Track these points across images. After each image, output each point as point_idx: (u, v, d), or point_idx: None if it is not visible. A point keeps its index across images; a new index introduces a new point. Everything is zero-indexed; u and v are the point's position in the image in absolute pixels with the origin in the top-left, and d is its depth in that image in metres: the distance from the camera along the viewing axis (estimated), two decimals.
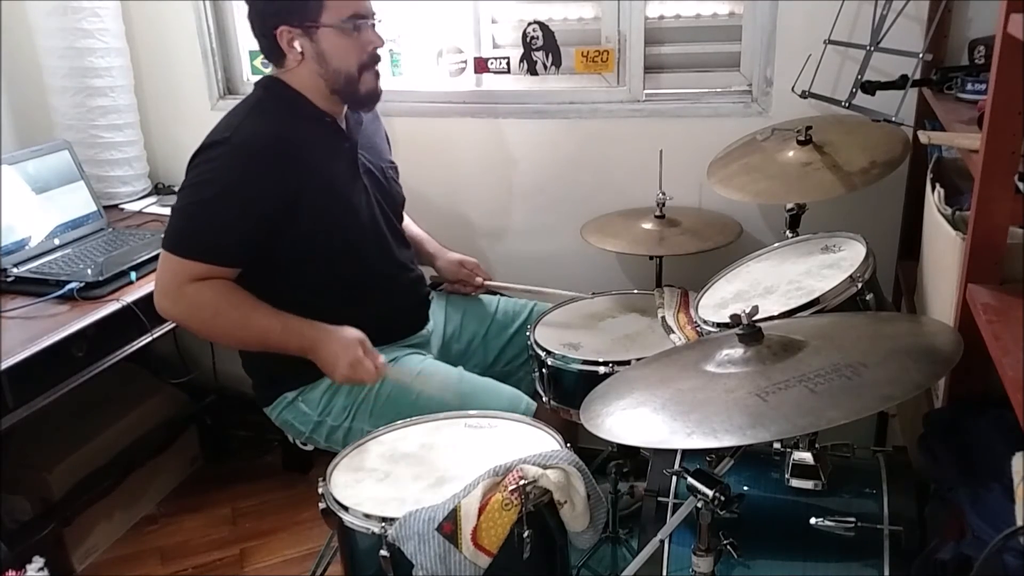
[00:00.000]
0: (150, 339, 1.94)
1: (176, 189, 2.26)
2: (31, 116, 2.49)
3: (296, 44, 1.62)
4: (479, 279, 1.96)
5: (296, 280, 1.68)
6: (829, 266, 1.52)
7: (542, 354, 1.69)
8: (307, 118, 1.68)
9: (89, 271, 1.92)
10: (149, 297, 1.87)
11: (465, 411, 1.51)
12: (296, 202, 1.61)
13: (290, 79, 1.67)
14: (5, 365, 1.59)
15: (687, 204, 2.09)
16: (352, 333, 1.59)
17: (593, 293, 1.98)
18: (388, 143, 1.94)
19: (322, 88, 1.66)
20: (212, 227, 1.58)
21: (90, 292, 1.86)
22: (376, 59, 1.68)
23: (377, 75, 1.69)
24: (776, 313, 1.38)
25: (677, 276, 1.98)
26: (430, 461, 1.38)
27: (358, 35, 1.63)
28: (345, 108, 1.74)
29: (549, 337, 1.75)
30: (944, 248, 1.29)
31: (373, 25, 1.66)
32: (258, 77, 2.43)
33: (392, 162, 1.89)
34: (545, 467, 1.24)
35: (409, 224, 1.98)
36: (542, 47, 2.20)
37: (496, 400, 1.62)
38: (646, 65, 2.14)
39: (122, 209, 2.43)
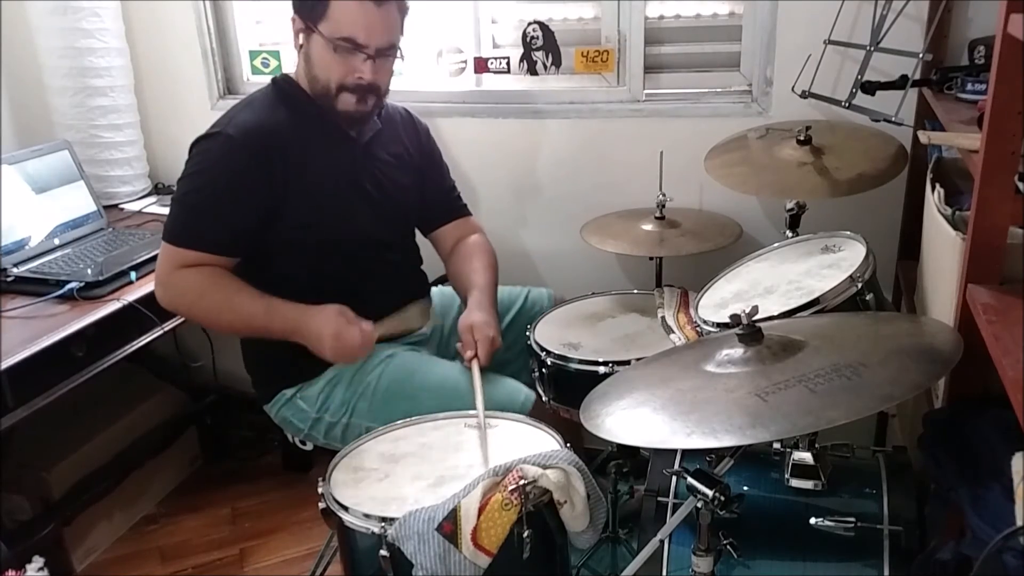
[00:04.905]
0: (150, 338, 1.94)
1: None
2: (31, 116, 2.49)
3: (300, 35, 1.66)
4: (469, 353, 1.65)
5: (290, 275, 1.69)
6: (829, 266, 1.52)
7: (542, 354, 1.69)
8: (307, 114, 1.69)
9: (89, 271, 1.92)
10: (149, 297, 1.88)
11: (465, 411, 1.51)
12: (283, 196, 1.63)
13: (296, 74, 1.71)
14: (5, 365, 1.58)
15: (687, 205, 2.09)
16: (332, 307, 1.60)
17: (593, 293, 1.98)
18: (426, 154, 1.90)
19: (308, 87, 1.68)
20: (203, 217, 1.62)
21: (90, 292, 1.86)
22: (361, 88, 1.63)
23: (361, 101, 1.64)
24: (776, 313, 1.38)
25: (677, 276, 1.98)
26: (430, 461, 1.38)
27: (347, 57, 1.61)
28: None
29: (549, 337, 1.75)
30: (944, 248, 1.29)
31: (369, 58, 1.61)
32: (258, 77, 2.46)
33: (417, 167, 1.86)
34: (545, 467, 1.24)
35: (473, 270, 1.83)
36: (542, 47, 2.20)
37: (494, 391, 1.62)
38: (646, 65, 2.14)
39: (122, 209, 2.43)
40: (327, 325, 1.58)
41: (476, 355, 1.64)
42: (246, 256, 1.67)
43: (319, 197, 1.67)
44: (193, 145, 1.64)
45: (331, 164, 1.69)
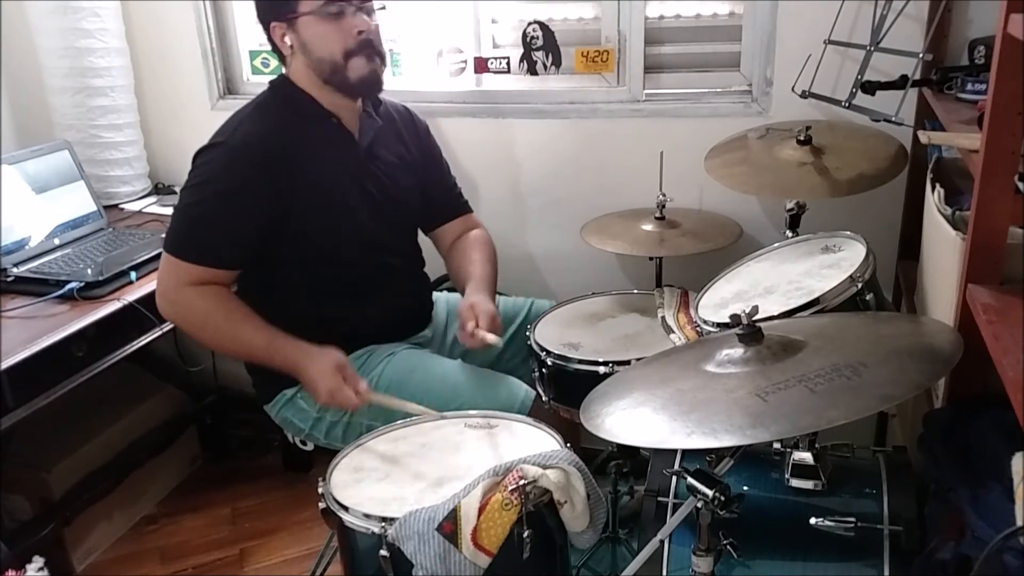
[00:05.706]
0: (150, 339, 1.94)
1: (176, 189, 2.27)
2: (31, 116, 2.49)
3: (286, 39, 1.64)
4: (470, 325, 1.64)
5: (292, 278, 1.70)
6: (829, 266, 1.52)
7: (542, 354, 1.69)
8: (310, 117, 1.68)
9: (89, 271, 1.92)
10: (149, 297, 1.88)
11: (465, 411, 1.51)
12: (290, 204, 1.62)
13: (295, 77, 1.69)
14: (5, 365, 1.59)
15: (687, 205, 2.09)
16: (332, 359, 1.57)
17: (593, 293, 1.98)
18: (427, 152, 1.89)
19: (316, 81, 1.66)
20: (207, 230, 1.60)
21: (90, 292, 1.86)
22: (366, 44, 1.63)
23: (371, 59, 1.64)
24: (776, 313, 1.38)
25: (677, 276, 1.98)
26: (430, 461, 1.38)
27: (340, 20, 1.60)
28: (359, 108, 1.74)
29: (549, 337, 1.75)
30: (944, 248, 1.29)
31: (359, 9, 1.62)
32: (258, 77, 2.46)
33: (418, 165, 1.85)
34: (545, 467, 1.24)
35: (471, 262, 1.84)
36: (542, 47, 2.20)
37: (494, 389, 1.62)
38: (646, 65, 2.14)
39: (122, 209, 2.43)
40: (324, 379, 1.55)
41: (477, 325, 1.62)
42: (252, 264, 1.66)
43: (323, 200, 1.66)
44: (196, 155, 1.63)
45: (334, 166, 1.69)
